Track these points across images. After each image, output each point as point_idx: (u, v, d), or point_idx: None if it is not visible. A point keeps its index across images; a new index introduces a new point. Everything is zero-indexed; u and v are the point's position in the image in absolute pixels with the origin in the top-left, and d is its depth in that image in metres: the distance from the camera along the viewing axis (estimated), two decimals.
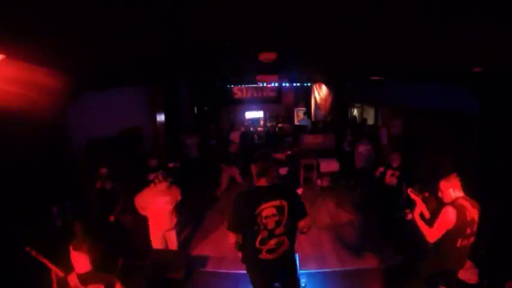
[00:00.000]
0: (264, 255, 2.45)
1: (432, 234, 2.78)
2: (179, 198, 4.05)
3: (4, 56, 2.38)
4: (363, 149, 6.83)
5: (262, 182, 2.47)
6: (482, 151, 4.20)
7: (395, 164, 4.98)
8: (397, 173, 4.88)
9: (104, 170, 4.35)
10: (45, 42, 2.30)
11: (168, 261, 3.87)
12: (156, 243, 4.08)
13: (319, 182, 7.85)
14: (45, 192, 3.76)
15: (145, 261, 3.89)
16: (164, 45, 2.92)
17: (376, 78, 6.19)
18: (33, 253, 2.23)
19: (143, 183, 4.24)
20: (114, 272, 2.49)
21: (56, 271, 2.21)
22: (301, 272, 3.63)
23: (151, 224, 4.05)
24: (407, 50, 3.08)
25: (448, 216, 2.71)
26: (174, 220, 4.07)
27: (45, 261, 2.21)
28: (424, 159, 5.69)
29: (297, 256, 2.84)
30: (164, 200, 3.91)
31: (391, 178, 4.89)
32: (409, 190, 3.10)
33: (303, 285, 3.73)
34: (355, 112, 10.50)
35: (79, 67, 3.58)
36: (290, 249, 2.55)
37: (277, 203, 2.41)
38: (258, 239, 2.41)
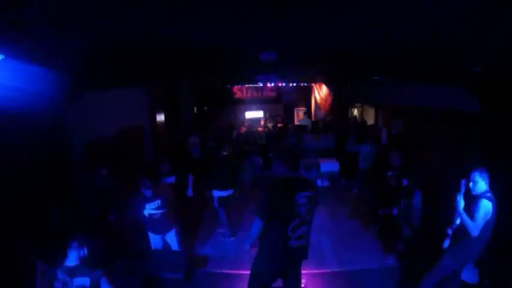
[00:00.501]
0: (292, 242, 2.57)
1: (476, 228, 2.80)
2: (170, 196, 3.97)
3: (3, 56, 2.39)
4: (364, 149, 6.82)
5: (294, 173, 2.70)
6: (482, 151, 4.19)
7: (395, 163, 4.95)
8: (397, 174, 4.86)
9: (103, 170, 4.34)
10: (45, 42, 2.30)
11: (169, 261, 3.87)
12: (156, 247, 4.08)
13: (319, 182, 7.85)
14: (45, 192, 3.75)
15: (145, 261, 3.89)
16: (164, 45, 2.92)
17: (377, 78, 6.19)
18: (22, 248, 2.35)
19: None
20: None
21: (44, 266, 2.36)
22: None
23: (148, 228, 4.02)
24: (408, 50, 3.08)
25: (487, 208, 2.79)
26: (171, 222, 4.02)
27: (35, 257, 2.36)
28: (424, 159, 5.68)
29: None
30: (153, 206, 3.81)
31: (390, 179, 4.88)
32: (462, 181, 2.99)
33: (302, 285, 3.72)
34: (356, 112, 10.49)
35: (78, 67, 3.57)
36: (309, 237, 2.77)
37: (307, 193, 2.62)
38: (291, 226, 2.53)
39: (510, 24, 1.83)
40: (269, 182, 2.72)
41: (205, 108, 11.81)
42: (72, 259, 2.36)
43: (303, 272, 3.86)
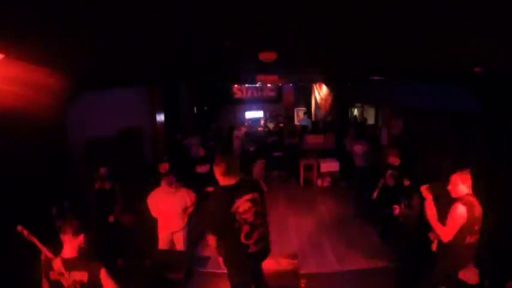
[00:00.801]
0: (251, 249, 2.49)
1: (447, 233, 2.74)
2: (189, 203, 4.00)
3: (3, 56, 2.38)
4: (358, 149, 6.82)
5: (229, 181, 2.49)
6: (483, 151, 4.19)
7: (394, 162, 4.95)
8: (396, 173, 4.85)
9: (103, 170, 4.33)
10: (45, 42, 2.29)
11: (169, 261, 3.87)
12: (163, 244, 4.08)
13: (319, 182, 7.84)
14: (44, 192, 3.75)
15: (146, 261, 3.88)
16: (164, 44, 2.91)
17: (377, 77, 6.18)
18: (26, 233, 2.18)
19: (143, 184, 4.22)
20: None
21: (46, 252, 2.18)
22: (301, 273, 3.62)
23: (159, 224, 4.04)
24: (409, 49, 3.07)
25: (460, 213, 2.69)
26: (183, 222, 4.04)
27: (37, 242, 2.18)
28: (425, 159, 5.68)
29: None
30: (173, 202, 3.89)
31: (389, 178, 4.87)
32: (423, 187, 2.99)
33: (303, 286, 3.72)
34: (356, 112, 10.48)
35: (78, 67, 3.57)
36: (268, 237, 2.69)
37: (249, 196, 2.48)
38: (243, 234, 2.44)
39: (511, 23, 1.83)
40: (211, 192, 2.64)
41: (205, 108, 11.79)
42: (69, 250, 2.19)
43: (303, 272, 3.89)
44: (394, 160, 4.96)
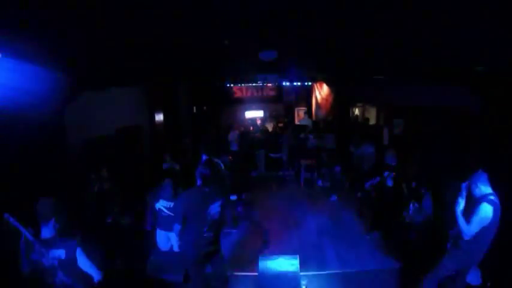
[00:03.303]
0: (207, 233, 3.12)
1: (469, 231, 2.74)
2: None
3: (2, 55, 2.35)
4: (365, 150, 6.77)
5: (206, 187, 3.13)
6: (484, 150, 4.15)
7: (391, 163, 4.93)
8: (393, 173, 4.82)
9: (102, 170, 4.30)
10: (44, 41, 2.26)
11: (168, 263, 3.83)
12: (161, 243, 4.08)
13: (320, 182, 7.81)
14: (43, 192, 3.71)
15: (145, 262, 3.84)
16: (164, 44, 2.88)
17: (378, 77, 6.14)
18: (11, 220, 2.26)
19: (142, 184, 4.19)
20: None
21: (28, 235, 2.29)
22: (301, 274, 3.58)
23: (156, 224, 4.08)
24: (410, 49, 3.03)
25: (486, 213, 2.69)
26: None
27: (19, 227, 2.27)
28: (426, 158, 5.63)
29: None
30: (165, 204, 3.92)
31: (387, 179, 4.84)
32: (464, 185, 2.95)
33: (303, 287, 3.68)
34: (357, 111, 10.43)
35: (78, 66, 3.53)
36: (220, 226, 3.39)
37: (219, 202, 3.18)
38: (207, 226, 3.09)
39: None
40: (184, 192, 3.27)
41: (205, 107, 11.75)
42: (46, 231, 2.34)
43: (303, 273, 3.85)
44: (391, 161, 4.93)
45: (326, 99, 11.04)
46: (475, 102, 4.15)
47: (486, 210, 2.69)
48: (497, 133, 3.93)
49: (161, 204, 3.95)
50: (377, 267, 4.23)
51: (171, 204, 3.87)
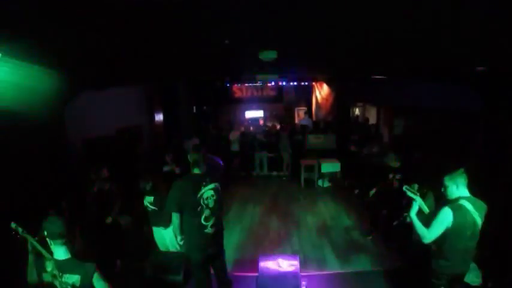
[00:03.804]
0: (208, 230, 3.01)
1: (427, 235, 2.65)
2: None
3: (1, 55, 2.34)
4: (367, 150, 6.77)
5: (197, 170, 3.02)
6: (486, 150, 4.14)
7: (395, 166, 4.93)
8: (398, 176, 4.81)
9: (102, 170, 4.29)
10: (43, 40, 2.25)
11: (168, 263, 3.82)
12: (158, 240, 4.11)
13: (320, 182, 7.80)
14: (42, 192, 3.71)
15: (144, 262, 3.84)
16: (163, 43, 2.87)
17: (379, 77, 6.13)
18: (19, 231, 2.07)
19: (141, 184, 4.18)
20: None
21: (42, 252, 2.08)
22: (301, 274, 3.58)
23: (150, 222, 4.12)
24: (410, 48, 3.03)
25: (445, 217, 2.59)
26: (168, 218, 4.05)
27: (32, 240, 2.09)
28: (427, 158, 5.63)
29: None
30: (149, 200, 4.02)
31: (393, 182, 4.83)
32: (404, 188, 2.91)
33: (303, 287, 3.68)
34: (357, 111, 10.42)
35: (77, 66, 3.53)
36: (222, 222, 3.25)
37: (213, 186, 3.03)
38: (203, 217, 2.95)
39: None
40: (176, 181, 3.10)
41: (205, 107, 11.74)
42: (60, 252, 2.09)
43: (303, 274, 3.84)
44: (395, 164, 4.92)
45: (326, 99, 11.03)
46: (476, 102, 4.14)
47: (445, 215, 2.58)
48: (498, 133, 3.93)
49: (146, 201, 4.04)
50: (377, 267, 4.23)
51: (151, 198, 4.00)
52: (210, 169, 3.17)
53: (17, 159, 3.42)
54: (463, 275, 2.88)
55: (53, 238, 2.07)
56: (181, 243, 3.09)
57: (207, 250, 3.08)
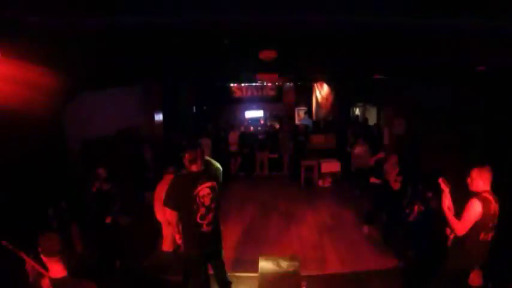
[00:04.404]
0: (204, 228, 2.96)
1: (461, 227, 2.75)
2: None
3: (1, 54, 2.34)
4: (358, 150, 6.76)
5: (194, 168, 2.97)
6: (487, 149, 4.14)
7: (396, 167, 4.90)
8: (400, 177, 4.79)
9: (101, 171, 4.29)
10: (43, 40, 2.25)
11: (167, 263, 3.82)
12: (167, 243, 4.05)
13: (320, 182, 7.79)
14: (41, 193, 3.70)
15: (144, 263, 3.84)
16: (163, 43, 2.87)
17: (379, 77, 6.12)
18: (11, 247, 1.94)
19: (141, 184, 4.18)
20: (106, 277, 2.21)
21: (38, 268, 1.94)
22: (302, 274, 3.57)
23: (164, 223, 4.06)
24: (411, 47, 3.02)
25: (475, 208, 2.69)
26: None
27: (27, 258, 1.94)
28: (428, 159, 5.62)
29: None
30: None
31: (394, 183, 4.81)
32: (440, 179, 2.97)
33: (303, 287, 3.67)
34: (357, 111, 10.42)
35: (76, 66, 3.52)
36: (219, 221, 3.21)
37: (209, 184, 2.98)
38: (199, 215, 2.90)
39: None
40: (173, 178, 3.10)
41: (205, 107, 11.73)
42: (57, 270, 1.93)
43: (304, 274, 3.84)
44: (396, 166, 4.91)
45: (326, 99, 11.02)
46: (476, 102, 4.14)
47: (475, 206, 2.69)
48: (498, 133, 3.92)
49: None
50: (377, 267, 4.22)
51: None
52: (208, 168, 3.16)
53: (17, 159, 3.42)
54: (471, 270, 2.96)
55: (49, 255, 1.92)
56: (179, 241, 3.10)
57: (203, 248, 3.05)
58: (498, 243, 3.58)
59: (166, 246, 3.99)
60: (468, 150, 4.63)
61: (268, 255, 3.76)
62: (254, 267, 3.60)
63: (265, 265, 3.46)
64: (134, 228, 4.55)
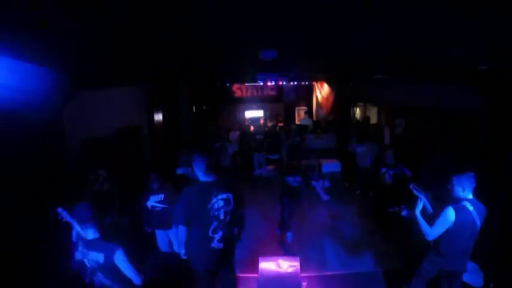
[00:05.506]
0: (214, 244, 2.74)
1: (431, 233, 2.79)
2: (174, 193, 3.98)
3: None
4: (360, 149, 6.76)
5: (207, 178, 2.76)
6: (489, 150, 4.12)
7: (389, 162, 4.95)
8: (391, 171, 4.83)
9: (101, 171, 4.28)
10: (42, 40, 2.24)
11: (168, 263, 3.82)
12: (161, 244, 4.09)
13: (320, 183, 7.77)
14: (41, 193, 3.69)
15: (144, 263, 3.83)
16: (163, 43, 2.86)
17: (379, 76, 6.12)
18: (64, 215, 2.46)
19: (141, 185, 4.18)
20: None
21: (80, 232, 2.44)
22: (302, 275, 3.57)
23: (153, 225, 4.11)
24: (412, 47, 3.02)
25: (447, 217, 2.71)
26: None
27: (73, 221, 2.47)
28: (428, 159, 5.61)
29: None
30: (156, 199, 3.98)
31: (385, 177, 4.85)
32: (411, 186, 3.03)
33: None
34: (358, 111, 10.40)
35: (76, 66, 3.52)
36: (232, 236, 2.95)
37: (224, 195, 2.73)
38: (211, 228, 2.70)
39: None
40: (185, 188, 2.82)
41: (205, 107, 11.72)
42: (89, 233, 2.43)
43: (304, 274, 3.83)
44: (389, 160, 4.95)
45: (327, 99, 11.01)
46: (477, 102, 4.13)
47: (448, 214, 2.71)
48: (499, 133, 3.91)
49: (152, 201, 3.94)
50: (377, 268, 4.21)
51: (161, 196, 3.90)
52: (221, 177, 2.87)
53: (16, 159, 3.41)
54: (459, 273, 2.97)
55: (83, 222, 2.43)
56: (184, 257, 2.85)
57: (210, 265, 2.80)
58: (498, 243, 3.58)
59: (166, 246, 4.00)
60: (468, 150, 4.62)
61: (268, 256, 3.76)
62: (254, 268, 3.60)
63: (265, 266, 3.46)
64: (134, 229, 4.54)
